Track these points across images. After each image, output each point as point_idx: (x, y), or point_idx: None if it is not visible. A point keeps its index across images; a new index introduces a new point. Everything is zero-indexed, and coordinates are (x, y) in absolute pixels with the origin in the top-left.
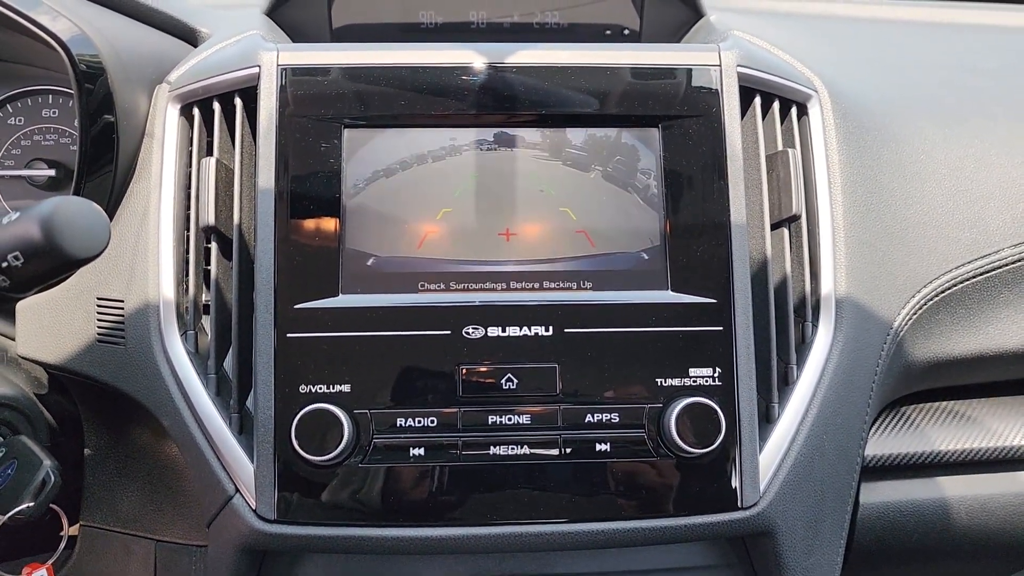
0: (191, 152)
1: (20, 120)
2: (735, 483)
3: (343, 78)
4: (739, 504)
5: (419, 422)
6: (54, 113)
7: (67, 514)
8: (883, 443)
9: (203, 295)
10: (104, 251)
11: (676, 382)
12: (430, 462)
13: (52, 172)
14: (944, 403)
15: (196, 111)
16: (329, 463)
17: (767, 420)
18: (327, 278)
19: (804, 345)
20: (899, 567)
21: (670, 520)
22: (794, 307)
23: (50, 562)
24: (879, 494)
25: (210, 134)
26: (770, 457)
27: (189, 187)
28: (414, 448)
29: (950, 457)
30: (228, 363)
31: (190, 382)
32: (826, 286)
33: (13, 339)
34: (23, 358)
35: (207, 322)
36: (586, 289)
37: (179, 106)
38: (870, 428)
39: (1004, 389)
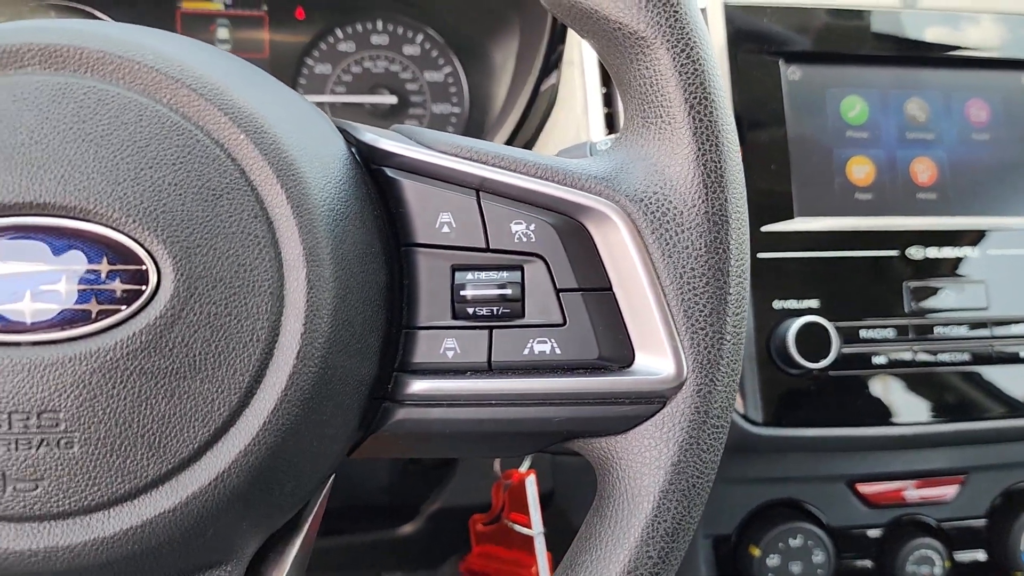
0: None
1: (351, 46)
2: None
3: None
4: None
5: (879, 333)
6: (384, 40)
7: None
8: None
9: None
10: None
11: None
12: (890, 369)
13: (395, 100)
14: None
15: None
16: (815, 371)
17: None
18: (783, 201)
19: None
20: None
21: None
22: None
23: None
24: None
25: None
26: None
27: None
28: (875, 357)
29: None
30: None
31: None
32: None
33: None
34: None
35: None
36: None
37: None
38: None
39: None
